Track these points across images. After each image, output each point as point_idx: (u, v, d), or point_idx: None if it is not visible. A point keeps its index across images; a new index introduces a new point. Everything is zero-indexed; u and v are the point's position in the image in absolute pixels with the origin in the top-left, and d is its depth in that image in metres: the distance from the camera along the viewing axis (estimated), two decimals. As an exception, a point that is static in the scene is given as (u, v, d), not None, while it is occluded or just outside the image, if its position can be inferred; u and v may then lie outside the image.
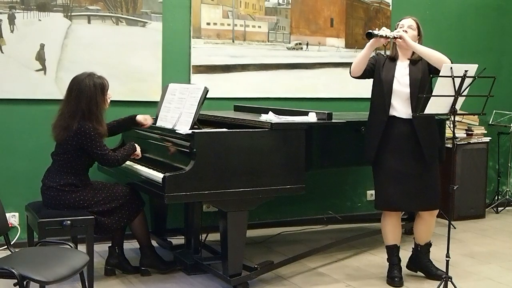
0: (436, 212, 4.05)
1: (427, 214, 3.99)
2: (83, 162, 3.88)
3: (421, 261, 4.12)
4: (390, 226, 4.01)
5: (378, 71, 3.87)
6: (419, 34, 3.87)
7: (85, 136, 3.75)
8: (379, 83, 3.85)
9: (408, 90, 3.77)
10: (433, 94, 3.41)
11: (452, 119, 3.54)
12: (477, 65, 3.46)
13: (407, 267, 4.18)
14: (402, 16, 5.77)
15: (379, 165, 3.91)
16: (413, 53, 3.83)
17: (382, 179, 3.91)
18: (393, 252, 4.02)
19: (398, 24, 3.90)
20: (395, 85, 3.80)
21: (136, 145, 4.10)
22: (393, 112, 3.82)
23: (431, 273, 4.06)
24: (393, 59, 3.89)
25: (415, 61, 3.84)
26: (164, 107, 4.28)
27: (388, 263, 4.06)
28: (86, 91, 3.78)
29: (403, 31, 3.78)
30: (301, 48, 5.55)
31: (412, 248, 4.18)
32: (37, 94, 4.63)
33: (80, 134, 3.75)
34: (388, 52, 3.97)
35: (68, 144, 3.79)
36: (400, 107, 3.80)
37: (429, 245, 4.12)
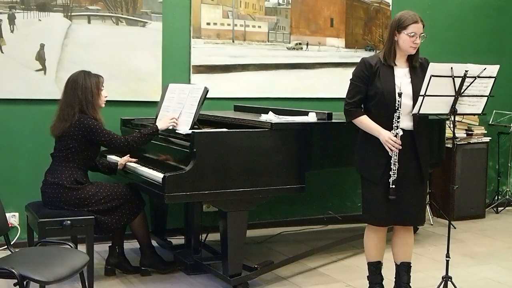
0: (412, 228, 3.68)
1: (403, 230, 3.61)
2: (84, 157, 3.91)
3: (398, 282, 3.65)
4: (376, 241, 3.61)
5: (373, 81, 3.43)
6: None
7: (89, 129, 3.82)
8: (379, 95, 3.41)
9: (411, 103, 3.38)
10: (431, 94, 3.35)
11: (452, 119, 3.53)
12: (498, 66, 3.44)
13: None
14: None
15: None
16: (413, 58, 3.47)
17: (374, 192, 3.48)
18: (376, 269, 3.64)
19: (407, 27, 3.40)
20: (398, 96, 3.38)
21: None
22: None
23: None
24: (389, 64, 3.45)
25: (415, 67, 3.48)
26: (164, 107, 4.28)
27: (368, 282, 3.68)
28: (81, 81, 3.88)
29: (413, 43, 3.39)
30: (301, 48, 5.55)
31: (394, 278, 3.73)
32: (37, 94, 4.63)
33: (83, 127, 3.81)
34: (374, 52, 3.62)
35: (72, 138, 3.83)
36: (401, 119, 3.40)
37: (407, 265, 3.64)
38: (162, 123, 4.01)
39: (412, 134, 3.45)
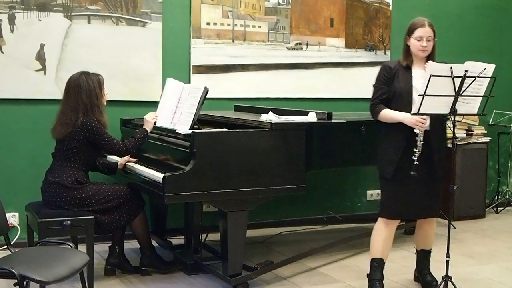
0: (434, 220, 3.90)
1: (424, 222, 3.87)
2: (85, 157, 3.91)
3: (418, 266, 4.00)
4: (384, 236, 3.74)
5: (392, 82, 3.64)
6: (434, 36, 3.63)
7: (91, 131, 3.82)
8: (397, 94, 3.62)
9: None
10: (431, 93, 3.37)
11: (452, 119, 3.54)
12: (494, 65, 3.50)
13: (414, 278, 4.08)
14: (402, 16, 5.76)
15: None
16: (428, 59, 3.62)
17: (388, 188, 3.70)
18: (378, 266, 3.73)
19: (414, 31, 3.58)
20: (415, 96, 3.55)
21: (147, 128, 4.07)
22: None
23: (424, 279, 3.92)
24: (408, 66, 3.65)
25: None
26: (164, 107, 4.24)
27: (368, 280, 3.76)
28: (84, 85, 3.87)
29: (421, 46, 3.57)
30: (301, 48, 5.55)
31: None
32: (37, 94, 4.63)
33: (86, 129, 3.82)
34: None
35: (74, 140, 3.83)
36: None
37: (426, 252, 3.94)
38: (148, 125, 4.07)
39: (427, 132, 3.58)
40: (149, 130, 4.06)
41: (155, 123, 4.10)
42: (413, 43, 3.62)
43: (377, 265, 3.73)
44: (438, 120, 3.65)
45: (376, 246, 3.75)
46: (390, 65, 3.70)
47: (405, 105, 3.55)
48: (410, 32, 3.64)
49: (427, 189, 3.68)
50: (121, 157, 4.20)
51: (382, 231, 3.75)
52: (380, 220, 3.77)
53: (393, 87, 3.64)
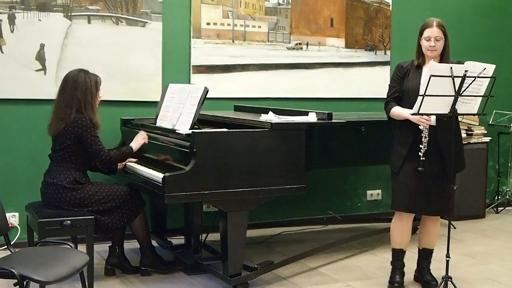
0: (438, 220, 3.95)
1: (427, 220, 3.94)
2: (82, 157, 3.91)
3: (419, 265, 4.03)
4: (400, 229, 3.89)
5: (403, 80, 3.79)
6: (445, 36, 3.71)
7: (82, 128, 3.81)
8: (405, 92, 3.75)
9: None
10: (431, 93, 3.38)
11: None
12: (494, 65, 3.52)
13: (414, 278, 4.08)
14: (402, 16, 5.76)
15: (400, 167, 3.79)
16: (441, 59, 3.72)
17: (396, 181, 3.79)
18: (397, 256, 3.92)
19: (423, 31, 3.69)
20: (421, 93, 3.52)
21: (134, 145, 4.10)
22: None
23: (423, 279, 3.95)
24: (419, 66, 3.76)
25: None
26: (164, 107, 4.28)
27: (391, 267, 3.97)
28: (82, 82, 3.88)
29: (430, 46, 3.67)
30: (301, 48, 5.55)
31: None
32: (37, 94, 4.63)
33: (77, 126, 3.81)
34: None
35: (66, 137, 3.83)
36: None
37: (428, 251, 3.98)
38: (135, 144, 4.09)
39: (434, 129, 3.64)
40: (134, 149, 4.07)
41: (144, 143, 4.13)
42: (422, 43, 3.72)
43: (396, 255, 3.91)
44: (452, 128, 3.63)
45: (393, 237, 3.93)
46: (403, 65, 3.84)
47: (413, 102, 3.58)
48: (420, 32, 3.74)
49: (435, 186, 3.73)
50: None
51: (397, 224, 3.90)
52: (395, 213, 3.90)
53: (404, 85, 3.77)
